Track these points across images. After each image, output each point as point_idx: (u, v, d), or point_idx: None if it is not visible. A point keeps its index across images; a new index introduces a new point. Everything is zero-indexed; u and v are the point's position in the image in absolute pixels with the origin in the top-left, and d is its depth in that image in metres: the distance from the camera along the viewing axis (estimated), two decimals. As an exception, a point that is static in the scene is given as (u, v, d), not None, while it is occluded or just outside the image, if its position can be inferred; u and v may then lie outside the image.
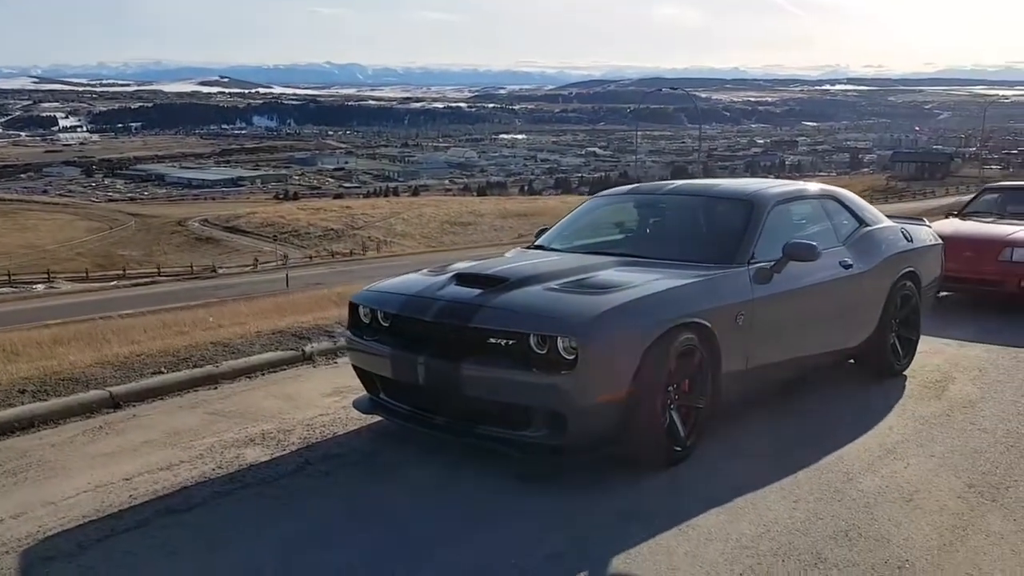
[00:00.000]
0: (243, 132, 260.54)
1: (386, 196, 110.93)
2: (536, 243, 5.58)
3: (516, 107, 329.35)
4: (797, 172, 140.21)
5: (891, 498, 3.70)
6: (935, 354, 6.26)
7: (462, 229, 68.81)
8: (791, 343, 4.78)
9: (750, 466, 4.08)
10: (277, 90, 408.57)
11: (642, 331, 3.86)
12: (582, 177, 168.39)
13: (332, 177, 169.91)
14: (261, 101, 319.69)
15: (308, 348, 6.42)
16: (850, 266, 5.11)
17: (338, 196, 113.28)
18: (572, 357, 3.71)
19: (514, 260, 4.77)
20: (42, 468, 4.22)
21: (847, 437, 4.46)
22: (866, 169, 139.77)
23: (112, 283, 43.71)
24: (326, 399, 5.35)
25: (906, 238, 5.84)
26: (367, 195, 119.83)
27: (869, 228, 5.58)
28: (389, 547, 3.33)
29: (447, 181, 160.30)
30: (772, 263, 4.55)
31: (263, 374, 6.00)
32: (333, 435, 4.66)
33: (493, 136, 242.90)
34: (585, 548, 3.25)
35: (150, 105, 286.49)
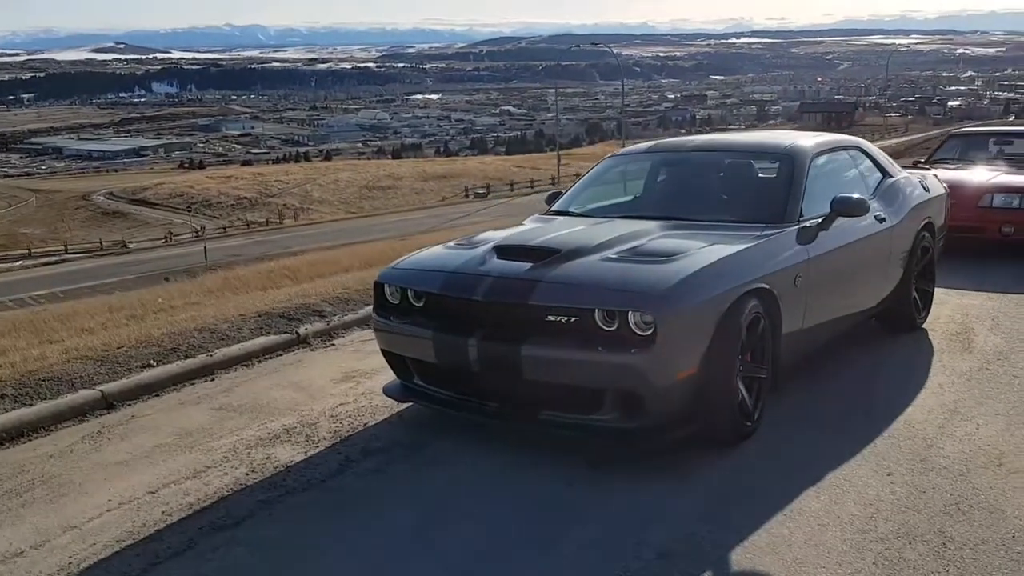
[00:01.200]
0: (142, 100, 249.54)
1: (297, 161, 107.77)
2: (553, 209, 5.24)
3: (426, 66, 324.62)
4: (707, 126, 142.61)
5: (981, 463, 3.56)
6: (939, 305, 6.20)
7: (382, 193, 67.43)
8: (837, 303, 4.61)
9: (821, 437, 3.90)
10: (176, 55, 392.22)
11: (716, 300, 3.60)
12: (498, 137, 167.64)
13: (238, 143, 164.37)
14: (160, 67, 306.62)
15: (303, 330, 5.97)
16: (883, 220, 4.96)
17: (246, 163, 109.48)
18: (647, 333, 3.42)
19: (552, 229, 4.43)
20: (48, 485, 3.74)
21: (902, 399, 4.32)
22: (773, 121, 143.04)
23: (18, 263, 41.28)
24: (339, 386, 4.96)
25: (923, 188, 5.74)
26: (276, 161, 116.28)
27: (892, 179, 5.45)
28: (493, 549, 3.02)
29: (360, 144, 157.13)
30: (820, 220, 4.36)
31: (260, 361, 5.55)
32: (364, 426, 4.29)
33: (405, 97, 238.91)
34: (697, 544, 3.00)
35: (42, 75, 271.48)
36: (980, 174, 8.41)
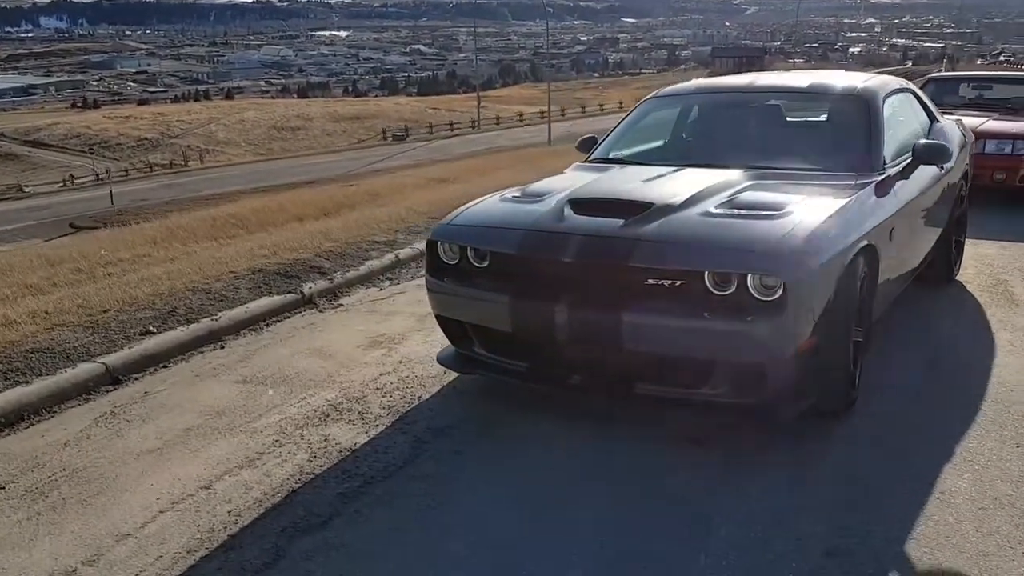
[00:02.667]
0: (30, 35, 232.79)
1: (198, 100, 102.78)
2: (595, 156, 4.81)
3: (332, 1, 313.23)
4: (620, 70, 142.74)
5: (1100, 426, 3.40)
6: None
7: (291, 134, 65.12)
8: (908, 256, 4.35)
9: (919, 406, 3.68)
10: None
11: (838, 260, 3.27)
12: (409, 77, 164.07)
13: (134, 81, 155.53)
14: (48, 0, 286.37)
15: (307, 289, 5.44)
16: (941, 166, 4.73)
17: (143, 102, 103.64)
18: (772, 298, 3.08)
19: (623, 180, 4.01)
20: (76, 481, 3.20)
21: (981, 361, 4.14)
22: (683, 66, 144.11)
23: (-97, 209, 38.16)
24: (369, 353, 4.50)
25: (962, 133, 5.55)
26: (175, 100, 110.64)
27: (939, 124, 5.23)
28: (635, 540, 2.67)
29: (263, 82, 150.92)
30: (902, 168, 4.10)
31: (268, 325, 5.02)
32: (418, 400, 3.86)
33: (310, 33, 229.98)
34: (863, 539, 2.71)
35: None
36: (968, 121, 8.33)
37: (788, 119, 4.71)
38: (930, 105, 5.26)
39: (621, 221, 3.41)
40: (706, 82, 5.39)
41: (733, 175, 3.90)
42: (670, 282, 3.21)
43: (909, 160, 4.15)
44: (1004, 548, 2.62)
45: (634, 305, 3.22)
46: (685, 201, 3.52)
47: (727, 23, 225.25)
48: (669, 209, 3.45)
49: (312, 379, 4.16)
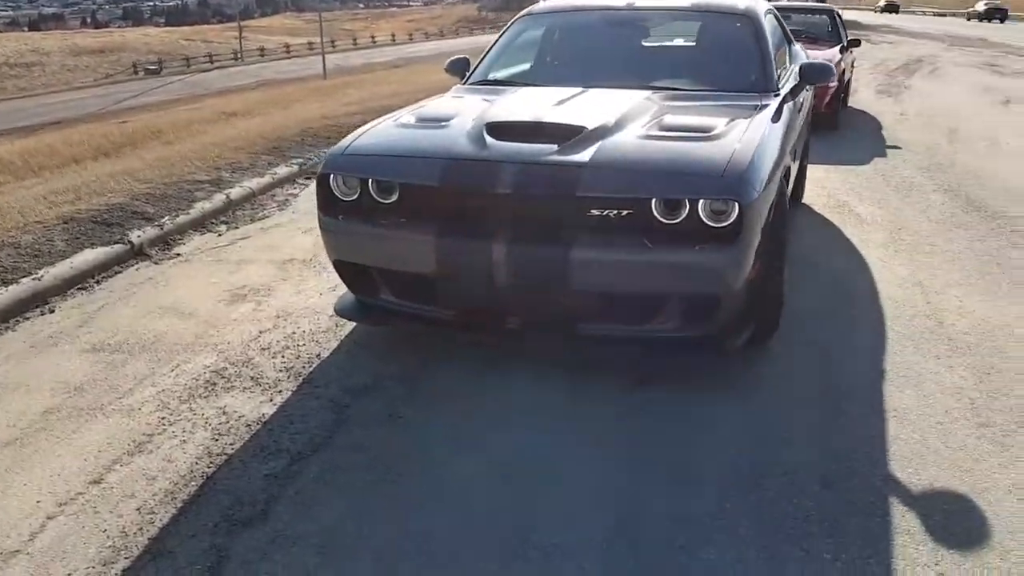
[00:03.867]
0: None
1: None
2: (476, 79, 4.41)
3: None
4: (386, 1, 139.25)
5: (1002, 334, 3.58)
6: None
7: (26, 71, 57.72)
8: (793, 175, 4.39)
9: (831, 330, 3.72)
10: None
11: (773, 183, 3.17)
12: (155, 6, 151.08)
13: None
14: None
15: (135, 238, 4.66)
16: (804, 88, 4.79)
17: None
18: (724, 224, 2.90)
19: (531, 102, 3.66)
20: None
21: (864, 282, 4.29)
22: (446, 2, 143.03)
23: None
24: (236, 308, 3.93)
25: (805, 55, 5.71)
26: None
27: (795, 46, 5.32)
28: (631, 486, 2.44)
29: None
30: (791, 88, 4.09)
31: (99, 282, 4.25)
32: (319, 358, 3.40)
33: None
34: (849, 466, 2.66)
35: None
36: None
37: (677, 38, 4.57)
38: (786, 27, 5.32)
39: (555, 146, 3.09)
40: (579, 2, 5.09)
41: (642, 96, 3.68)
42: (616, 212, 2.95)
43: (797, 80, 4.15)
44: (978, 461, 2.66)
45: (582, 239, 2.94)
46: (615, 123, 3.26)
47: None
48: (603, 132, 3.18)
49: (177, 342, 3.54)
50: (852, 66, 10.85)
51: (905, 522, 2.35)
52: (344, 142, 3.48)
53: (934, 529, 2.32)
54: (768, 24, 4.41)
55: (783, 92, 3.97)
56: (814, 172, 6.56)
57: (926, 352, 3.42)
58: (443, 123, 3.48)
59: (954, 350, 3.45)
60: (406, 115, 3.71)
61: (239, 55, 54.24)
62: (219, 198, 5.57)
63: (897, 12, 61.48)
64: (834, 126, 8.67)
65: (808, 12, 10.61)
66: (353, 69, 32.84)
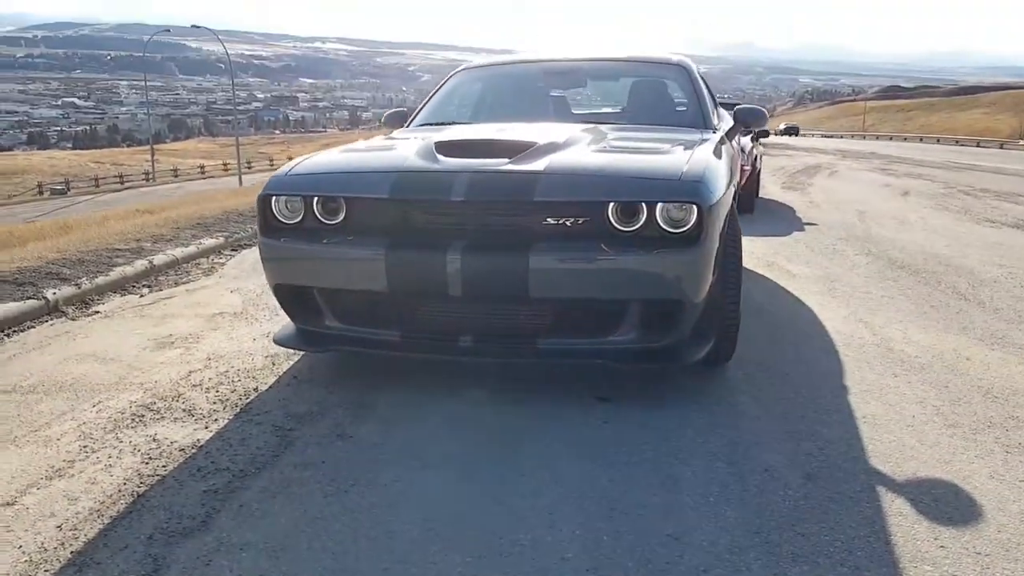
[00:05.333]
0: None
1: None
2: (415, 125, 4.39)
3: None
4: (301, 128, 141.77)
5: (950, 357, 3.61)
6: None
7: (-78, 192, 56.05)
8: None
9: (786, 354, 3.70)
10: None
11: (725, 196, 3.17)
12: (62, 131, 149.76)
13: None
14: None
15: (51, 295, 4.35)
16: (755, 130, 4.92)
17: None
18: (683, 229, 2.85)
19: (482, 130, 3.61)
20: None
21: (805, 319, 4.32)
22: (363, 127, 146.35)
23: None
24: (162, 354, 3.66)
25: None
26: None
27: (719, 108, 5.52)
28: (608, 503, 2.26)
29: None
30: (727, 130, 4.19)
31: (8, 336, 3.92)
32: (256, 391, 3.16)
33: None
34: (831, 462, 2.57)
35: None
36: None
37: (615, 84, 4.68)
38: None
39: (506, 160, 3.04)
40: (518, 55, 5.18)
41: (586, 127, 3.70)
42: (574, 220, 2.88)
43: (732, 123, 4.26)
44: (956, 454, 2.60)
45: (540, 246, 2.84)
46: (565, 142, 3.24)
47: (404, 88, 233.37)
48: (554, 147, 3.15)
49: (99, 383, 3.25)
50: (761, 157, 11.36)
51: (895, 506, 2.25)
52: (287, 165, 3.36)
53: (926, 511, 2.22)
54: (699, 74, 4.57)
55: (721, 130, 4.07)
56: (741, 242, 6.71)
57: (882, 372, 3.41)
58: (390, 148, 3.41)
59: (909, 369, 3.45)
60: (351, 146, 3.63)
61: (151, 176, 53.69)
62: (141, 263, 5.31)
63: (797, 134, 64.73)
64: (750, 209, 8.97)
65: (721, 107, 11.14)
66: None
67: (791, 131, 66.49)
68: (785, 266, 5.75)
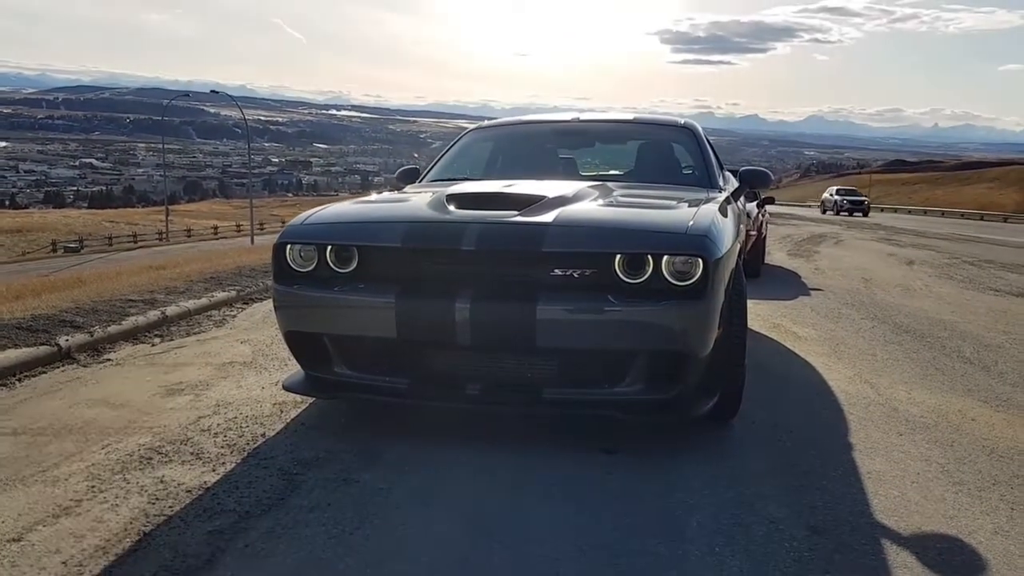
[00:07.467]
0: None
1: None
2: (426, 181, 4.50)
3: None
4: (314, 191, 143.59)
5: (951, 419, 3.62)
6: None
7: (-56, 248, 56.70)
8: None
9: (792, 414, 3.70)
10: None
11: (731, 252, 3.22)
12: (78, 191, 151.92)
13: None
14: None
15: (63, 342, 4.40)
16: (759, 192, 5.00)
17: None
18: (688, 282, 2.90)
19: (493, 185, 3.70)
20: None
21: (812, 377, 4.34)
22: (375, 191, 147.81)
23: None
24: (172, 400, 3.69)
25: None
26: None
27: (725, 170, 5.62)
28: (606, 551, 2.26)
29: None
30: (733, 190, 4.27)
31: (20, 380, 3.96)
32: (264, 437, 3.18)
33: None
34: (837, 515, 2.57)
35: None
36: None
37: (623, 146, 4.78)
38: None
39: (516, 211, 3.12)
40: (527, 117, 5.32)
41: (594, 183, 3.79)
42: (581, 271, 2.94)
43: (738, 184, 4.34)
44: (960, 510, 2.60)
45: (547, 296, 2.89)
46: (573, 196, 3.33)
47: (415, 154, 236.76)
48: (562, 201, 3.23)
49: (109, 427, 3.28)
50: (767, 223, 11.46)
51: (900, 559, 2.24)
52: (303, 215, 3.44)
53: (932, 564, 2.22)
54: (705, 137, 4.68)
55: (727, 190, 4.15)
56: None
57: (888, 430, 3.41)
58: (402, 200, 3.50)
59: (914, 428, 3.45)
60: (363, 198, 3.72)
61: (165, 235, 54.27)
62: (154, 314, 5.37)
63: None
64: (756, 273, 9.03)
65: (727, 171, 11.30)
66: (281, 245, 33.14)
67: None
68: (791, 328, 5.78)
